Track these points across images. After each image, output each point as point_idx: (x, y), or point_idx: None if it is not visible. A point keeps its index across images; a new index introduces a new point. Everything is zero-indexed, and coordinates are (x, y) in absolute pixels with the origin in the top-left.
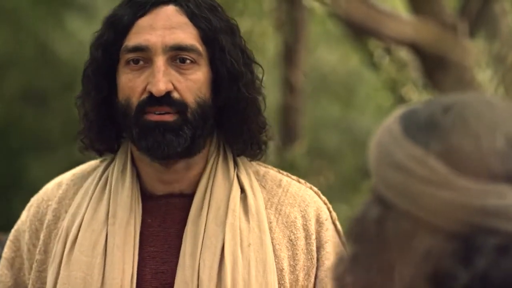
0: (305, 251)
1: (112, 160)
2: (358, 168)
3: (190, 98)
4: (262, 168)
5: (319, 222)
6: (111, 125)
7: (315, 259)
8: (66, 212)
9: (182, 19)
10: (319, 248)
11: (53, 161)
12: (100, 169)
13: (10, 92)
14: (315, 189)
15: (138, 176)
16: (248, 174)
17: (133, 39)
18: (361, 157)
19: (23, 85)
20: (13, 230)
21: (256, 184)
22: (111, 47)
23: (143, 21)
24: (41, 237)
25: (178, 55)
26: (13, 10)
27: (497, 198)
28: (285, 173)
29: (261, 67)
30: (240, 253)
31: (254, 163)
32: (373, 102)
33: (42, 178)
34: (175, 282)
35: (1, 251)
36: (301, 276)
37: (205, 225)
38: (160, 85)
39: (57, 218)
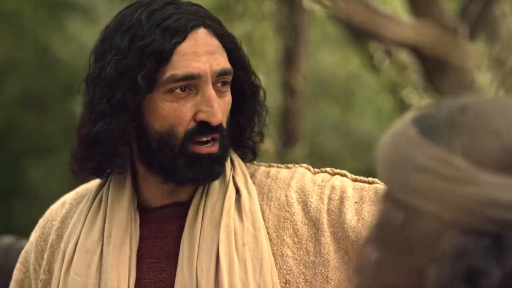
0: (305, 221)
1: (106, 180)
2: (358, 171)
3: (224, 121)
4: (254, 167)
5: (320, 187)
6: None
7: (319, 223)
8: None
9: (215, 42)
10: (332, 210)
11: (53, 165)
12: (94, 189)
13: (10, 96)
14: (306, 165)
15: (136, 192)
16: (244, 174)
17: (181, 68)
18: (361, 160)
19: (23, 89)
20: (22, 252)
21: (251, 183)
22: (152, 76)
23: (184, 48)
24: (45, 256)
25: (220, 80)
26: (13, 13)
27: None
28: (275, 165)
29: (256, 74)
30: (236, 254)
31: (248, 164)
32: (373, 105)
33: (42, 183)
34: None
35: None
36: (310, 247)
37: (201, 228)
38: (219, 115)
39: (60, 237)
